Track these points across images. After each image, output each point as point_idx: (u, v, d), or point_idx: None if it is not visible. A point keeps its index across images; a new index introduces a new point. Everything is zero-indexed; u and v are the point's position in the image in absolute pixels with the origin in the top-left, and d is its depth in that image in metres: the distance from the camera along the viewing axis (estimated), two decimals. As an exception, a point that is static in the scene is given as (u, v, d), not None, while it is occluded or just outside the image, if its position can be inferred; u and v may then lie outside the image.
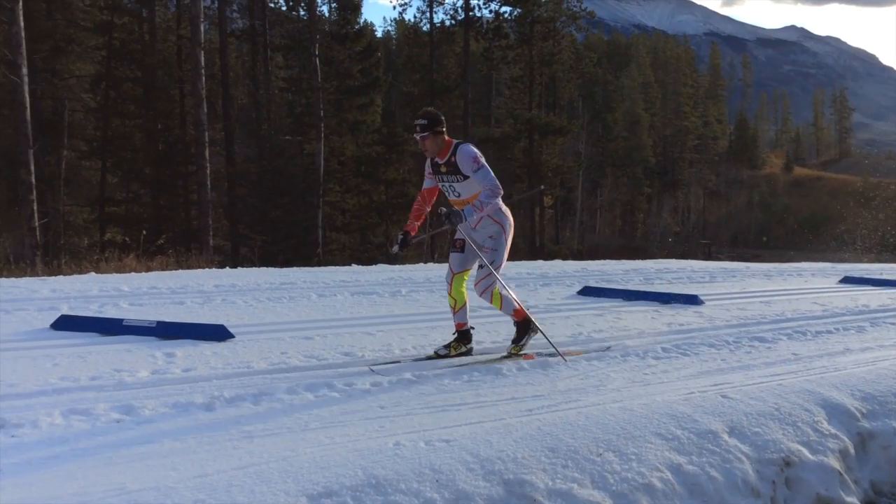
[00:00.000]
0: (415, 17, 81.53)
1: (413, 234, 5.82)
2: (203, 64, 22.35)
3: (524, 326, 5.89)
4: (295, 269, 9.93)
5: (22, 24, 17.73)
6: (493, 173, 5.49)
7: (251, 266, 12.97)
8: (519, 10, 40.00)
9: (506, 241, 5.73)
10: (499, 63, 42.33)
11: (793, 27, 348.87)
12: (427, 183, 5.79)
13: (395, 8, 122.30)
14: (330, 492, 3.32)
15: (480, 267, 5.67)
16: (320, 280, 8.87)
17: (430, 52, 38.86)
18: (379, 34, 64.58)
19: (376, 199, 28.61)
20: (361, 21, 33.42)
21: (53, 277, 8.61)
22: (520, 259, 15.86)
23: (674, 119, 79.05)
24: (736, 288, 10.57)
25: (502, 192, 5.53)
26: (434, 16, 39.58)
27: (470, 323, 5.92)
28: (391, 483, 3.41)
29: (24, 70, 17.79)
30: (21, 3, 17.78)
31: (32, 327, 6.26)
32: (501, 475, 3.55)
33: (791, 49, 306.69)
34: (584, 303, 8.62)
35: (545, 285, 9.72)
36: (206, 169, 22.55)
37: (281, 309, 7.35)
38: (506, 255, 5.74)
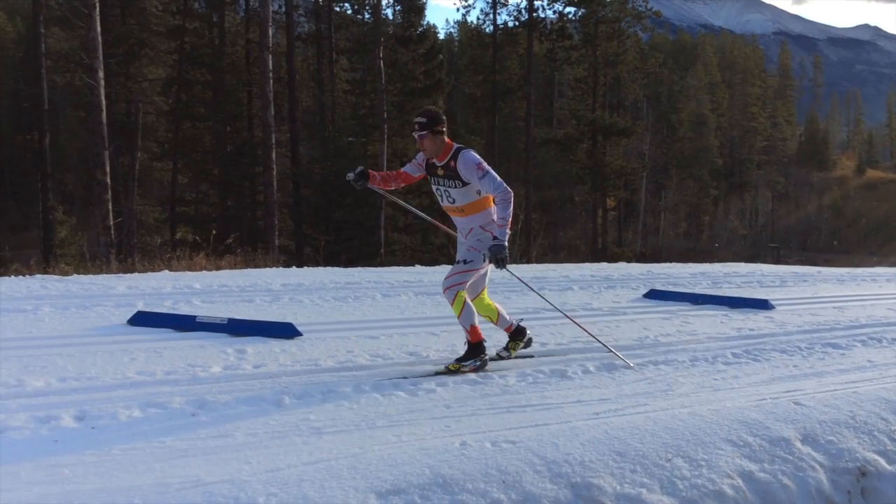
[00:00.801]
0: (478, 18, 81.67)
1: (371, 181, 5.53)
2: (271, 67, 22.79)
3: (475, 350, 5.39)
4: (359, 269, 10.05)
5: (98, 29, 18.36)
6: (498, 176, 5.25)
7: (315, 266, 13.17)
8: (583, 11, 39.65)
9: None
10: (562, 64, 42.07)
11: (865, 26, 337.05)
12: (411, 169, 5.55)
13: (458, 10, 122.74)
14: (398, 490, 3.35)
15: (456, 262, 5.42)
16: (384, 280, 8.96)
17: (493, 54, 38.82)
18: (441, 36, 64.89)
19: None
20: (425, 23, 33.61)
21: (129, 275, 8.90)
22: (581, 261, 15.74)
23: (741, 120, 77.25)
24: (808, 293, 10.29)
25: (512, 196, 5.25)
26: (497, 17, 39.50)
27: (515, 320, 5.83)
28: (458, 483, 3.43)
29: (101, 74, 18.41)
30: (98, 9, 18.41)
31: (110, 323, 6.49)
32: (569, 478, 3.54)
33: (864, 48, 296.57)
34: (651, 306, 8.50)
35: (609, 288, 9.62)
36: (272, 170, 22.98)
37: (346, 308, 7.46)
38: (486, 264, 5.36)
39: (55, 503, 3.08)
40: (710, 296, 9.10)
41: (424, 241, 27.72)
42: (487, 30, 41.00)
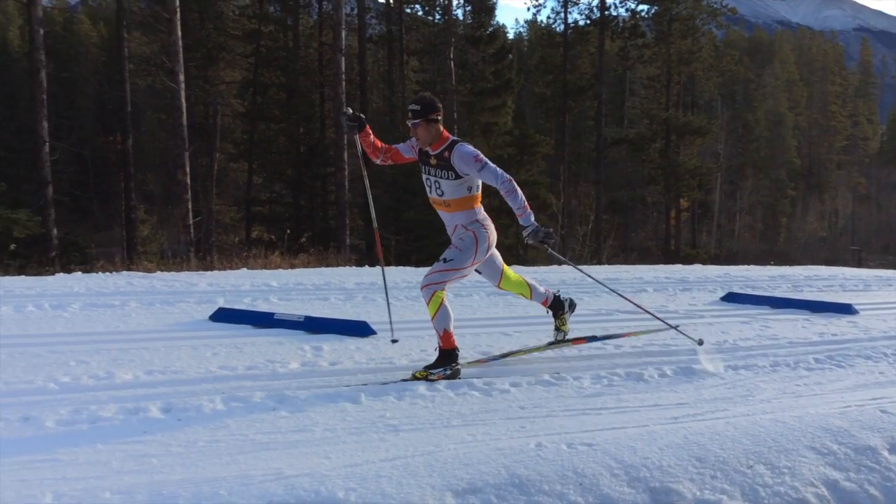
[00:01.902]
0: (548, 17, 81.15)
1: (362, 136, 5.26)
2: (343, 69, 23.10)
3: (446, 357, 5.13)
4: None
5: (179, 33, 18.96)
6: (497, 167, 5.06)
7: (387, 265, 13.29)
8: (656, 8, 38.98)
9: (475, 250, 5.14)
10: (634, 62, 41.42)
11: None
12: (403, 148, 5.32)
13: (528, 9, 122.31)
14: (474, 488, 3.37)
15: (437, 261, 5.19)
16: (455, 280, 8.99)
17: (564, 53, 38.52)
18: (510, 36, 64.68)
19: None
20: (494, 23, 33.55)
21: (209, 272, 9.16)
22: (653, 263, 15.49)
23: (820, 119, 74.71)
24: (893, 297, 9.90)
25: (515, 184, 5.06)
26: (568, 16, 39.19)
27: (551, 291, 5.72)
28: (534, 483, 3.42)
29: (181, 77, 19.00)
30: (179, 14, 19.00)
31: (192, 318, 6.70)
32: (647, 482, 3.50)
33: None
34: (729, 309, 8.32)
35: (685, 290, 9.44)
36: (344, 170, 23.31)
37: (419, 307, 7.50)
38: (468, 265, 5.14)
39: (144, 493, 3.19)
40: (791, 299, 8.84)
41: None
42: (558, 29, 40.71)
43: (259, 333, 6.17)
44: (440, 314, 5.10)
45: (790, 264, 16.04)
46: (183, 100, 19.36)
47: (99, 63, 50.18)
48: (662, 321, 5.72)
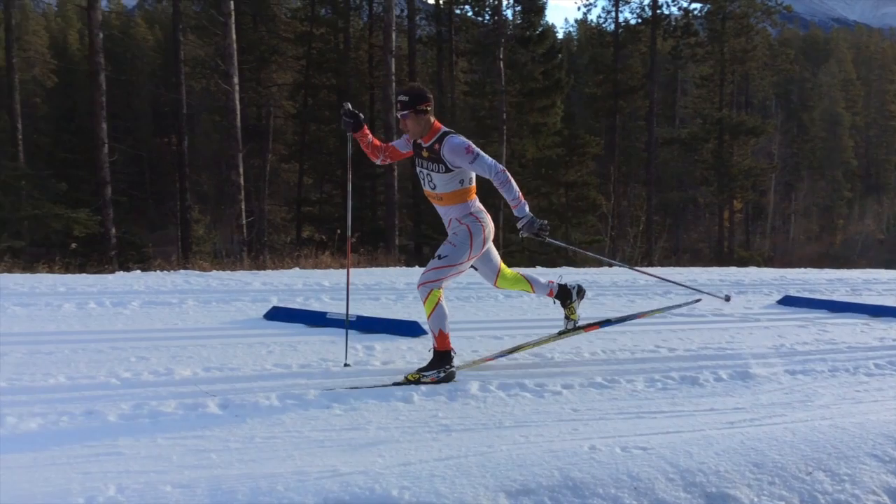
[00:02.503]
0: (599, 17, 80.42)
1: (361, 135, 5.17)
2: (394, 70, 23.24)
3: (440, 359, 4.97)
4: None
5: (234, 36, 19.29)
6: (489, 157, 4.91)
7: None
8: (709, 6, 38.37)
9: (469, 244, 4.95)
10: (687, 61, 40.84)
11: None
12: (400, 144, 5.21)
13: (579, 9, 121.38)
14: (528, 490, 3.37)
15: (434, 257, 5.03)
16: (506, 281, 8.97)
17: (615, 52, 38.18)
18: (560, 36, 64.28)
19: (556, 201, 28.43)
20: (544, 23, 33.37)
21: (262, 272, 9.32)
22: (705, 265, 15.26)
23: (878, 118, 72.56)
24: (958, 302, 9.59)
25: (509, 175, 4.91)
26: (619, 15, 38.83)
27: (554, 280, 5.56)
28: (588, 486, 3.41)
29: (236, 79, 19.34)
30: (233, 17, 19.34)
31: (248, 317, 6.82)
32: (703, 488, 3.46)
33: None
34: (785, 313, 8.15)
35: (741, 293, 9.28)
36: (394, 171, 23.45)
37: (469, 308, 7.53)
38: (464, 261, 4.97)
39: (204, 487, 3.26)
40: (850, 303, 8.62)
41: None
42: (609, 28, 40.35)
43: (312, 332, 6.25)
44: (436, 314, 4.96)
45: (847, 267, 15.64)
46: (237, 102, 19.70)
47: (155, 66, 51.31)
48: (690, 287, 5.61)
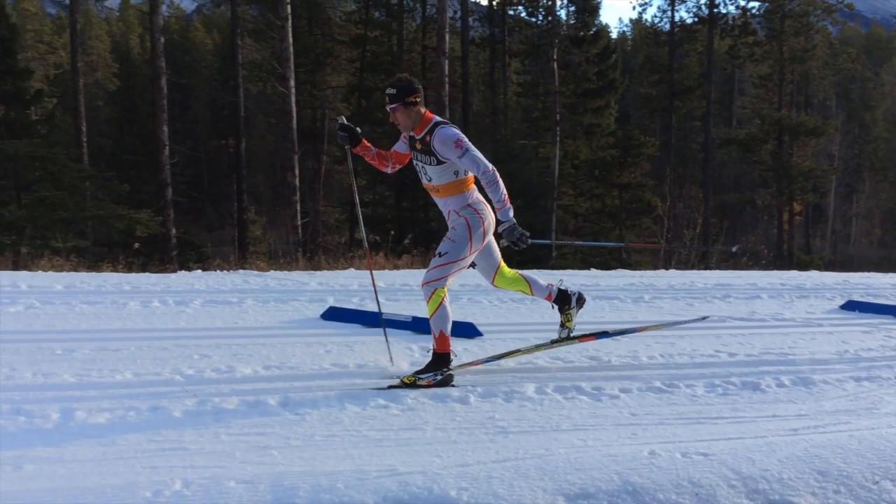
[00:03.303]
0: (654, 16, 79.37)
1: (361, 149, 5.06)
2: (446, 72, 23.30)
3: (438, 361, 4.88)
4: (535, 271, 10.04)
5: (290, 40, 19.58)
6: (480, 154, 4.74)
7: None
8: (767, 5, 37.55)
9: (469, 238, 4.84)
10: (744, 61, 40.03)
11: None
12: (400, 146, 5.09)
13: (634, 8, 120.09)
14: (586, 494, 3.35)
15: (435, 255, 4.92)
16: (560, 283, 8.92)
17: (670, 52, 37.65)
18: (614, 35, 63.65)
19: (610, 203, 28.20)
20: (598, 23, 33.09)
21: (318, 272, 9.43)
22: (763, 268, 14.94)
23: (946, 118, 70.13)
24: None
25: (497, 176, 4.73)
26: (675, 14, 38.25)
27: (554, 284, 5.38)
28: (648, 491, 3.38)
29: (292, 82, 19.63)
30: (290, 21, 19.63)
31: (305, 316, 6.92)
32: (766, 495, 3.40)
33: None
34: (849, 318, 7.94)
35: (802, 297, 9.07)
36: (446, 173, 23.47)
37: (524, 310, 7.51)
38: (465, 255, 4.87)
39: (267, 483, 3.32)
40: (917, 309, 8.36)
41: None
42: (664, 27, 39.82)
43: (368, 332, 6.30)
44: (439, 314, 4.87)
45: (915, 272, 15.14)
46: (293, 104, 19.99)
47: (212, 69, 52.34)
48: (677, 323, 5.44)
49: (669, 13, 38.46)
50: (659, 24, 41.29)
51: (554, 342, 5.43)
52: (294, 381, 4.79)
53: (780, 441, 3.88)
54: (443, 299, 4.85)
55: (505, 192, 4.75)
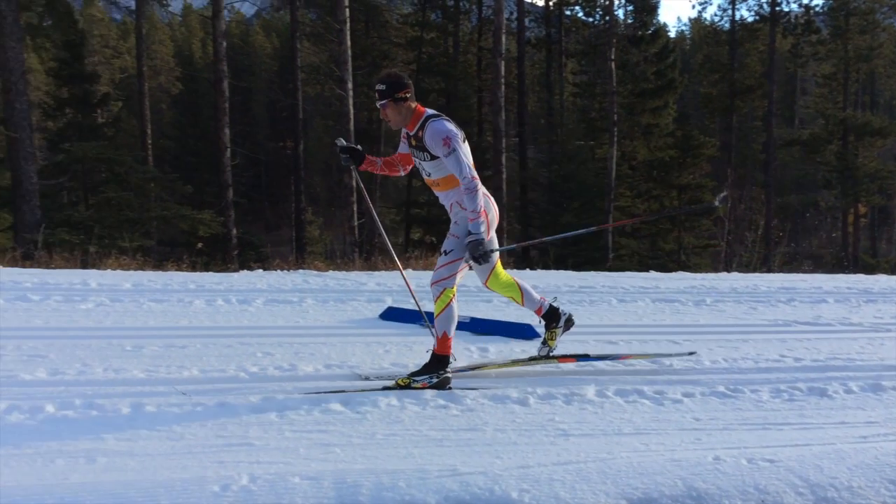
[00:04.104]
0: (714, 15, 77.89)
1: (366, 165, 5.01)
2: (503, 73, 23.28)
3: (436, 363, 4.75)
4: (592, 273, 10.01)
5: (349, 42, 19.79)
6: (468, 158, 4.57)
7: (542, 269, 13.26)
8: (831, 3, 36.52)
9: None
10: (807, 60, 39.02)
11: None
12: (402, 147, 4.98)
13: (693, 7, 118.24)
14: (650, 499, 3.33)
15: (441, 253, 4.80)
16: (618, 285, 8.84)
17: (731, 51, 36.91)
18: (672, 34, 62.71)
19: (668, 204, 27.75)
20: (656, 22, 32.65)
21: (376, 272, 9.52)
22: (827, 271, 14.57)
23: None
24: None
25: (478, 185, 4.57)
26: (736, 12, 37.52)
27: (547, 299, 5.19)
28: (713, 497, 3.34)
29: (349, 85, 19.83)
30: (348, 24, 19.85)
31: (363, 316, 6.99)
32: (835, 503, 3.32)
33: None
34: (919, 323, 7.70)
35: (870, 301, 8.81)
36: (502, 174, 23.47)
37: (582, 311, 7.45)
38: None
39: (330, 480, 3.37)
40: None
41: (653, 247, 26.97)
42: (724, 26, 39.06)
43: (426, 333, 6.31)
44: (445, 314, 4.74)
45: None
46: (350, 107, 20.19)
47: (271, 73, 53.21)
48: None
49: (730, 12, 37.70)
50: (719, 23, 40.51)
51: (532, 359, 5.29)
52: (355, 381, 4.85)
53: (849, 448, 3.79)
54: (451, 300, 4.74)
55: (482, 204, 4.61)
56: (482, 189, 4.70)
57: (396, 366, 5.27)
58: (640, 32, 30.99)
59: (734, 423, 4.31)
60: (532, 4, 36.24)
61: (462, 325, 6.44)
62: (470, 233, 4.62)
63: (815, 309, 8.17)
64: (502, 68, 23.33)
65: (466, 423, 4.19)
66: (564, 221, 23.65)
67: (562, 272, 10.25)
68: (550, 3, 33.95)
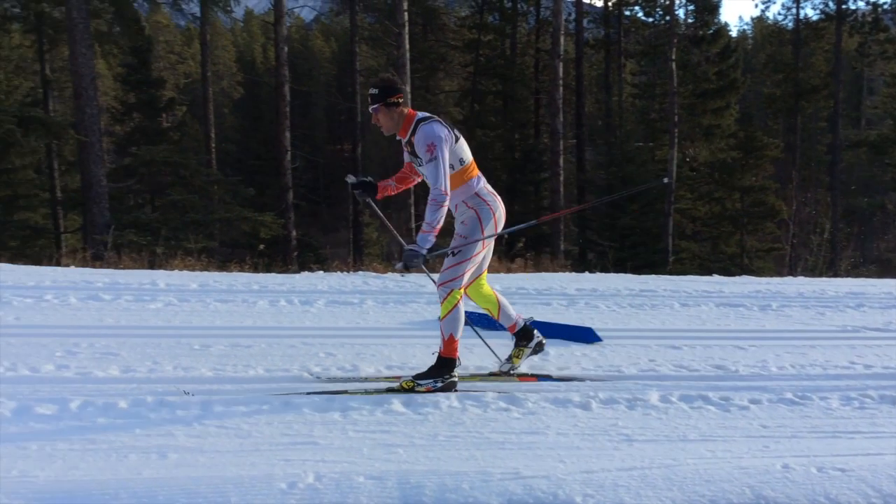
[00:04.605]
0: (778, 13, 76.04)
1: (379, 193, 4.94)
2: (561, 74, 23.15)
3: (442, 367, 4.66)
4: (653, 276, 9.87)
5: (407, 46, 19.92)
6: (444, 168, 4.40)
7: (602, 272, 13.14)
8: (901, -1, 35.32)
9: (480, 231, 4.64)
10: (875, 59, 37.80)
11: None
12: (405, 156, 4.88)
13: (756, 6, 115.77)
14: (717, 506, 3.28)
15: (447, 254, 4.67)
16: (681, 289, 8.71)
17: (795, 50, 36.03)
18: (733, 34, 61.46)
19: (730, 207, 27.18)
20: (717, 22, 32.03)
21: (434, 274, 9.51)
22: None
23: None
24: None
25: (446, 200, 4.42)
26: (800, 11, 36.60)
27: (522, 317, 5.06)
28: (782, 506, 3.27)
29: (407, 88, 19.94)
30: (407, 28, 19.98)
31: (423, 318, 7.03)
32: (912, 515, 3.23)
33: None
34: None
35: (944, 308, 8.51)
36: (559, 176, 23.35)
37: (644, 316, 7.37)
38: (479, 250, 4.67)
39: (394, 480, 3.41)
40: None
41: (715, 250, 26.46)
42: (788, 25, 38.16)
43: (488, 335, 6.30)
44: (451, 316, 4.62)
45: None
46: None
47: (329, 76, 53.88)
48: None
49: (794, 10, 36.83)
50: (783, 22, 39.63)
51: (491, 374, 5.15)
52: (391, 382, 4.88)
53: (926, 459, 3.68)
54: (457, 302, 4.63)
55: (440, 221, 4.47)
56: (485, 189, 4.70)
57: (456, 368, 5.28)
58: (701, 32, 30.45)
59: (803, 430, 4.21)
60: (590, 5, 35.94)
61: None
62: (414, 242, 4.52)
63: (886, 315, 7.92)
64: (560, 70, 23.21)
65: (528, 427, 4.18)
66: (622, 224, 23.36)
67: (621, 275, 10.15)
68: (609, 4, 33.60)
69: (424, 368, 4.80)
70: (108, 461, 3.55)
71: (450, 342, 4.67)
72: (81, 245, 17.65)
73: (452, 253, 4.64)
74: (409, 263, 4.52)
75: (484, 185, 4.76)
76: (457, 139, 4.60)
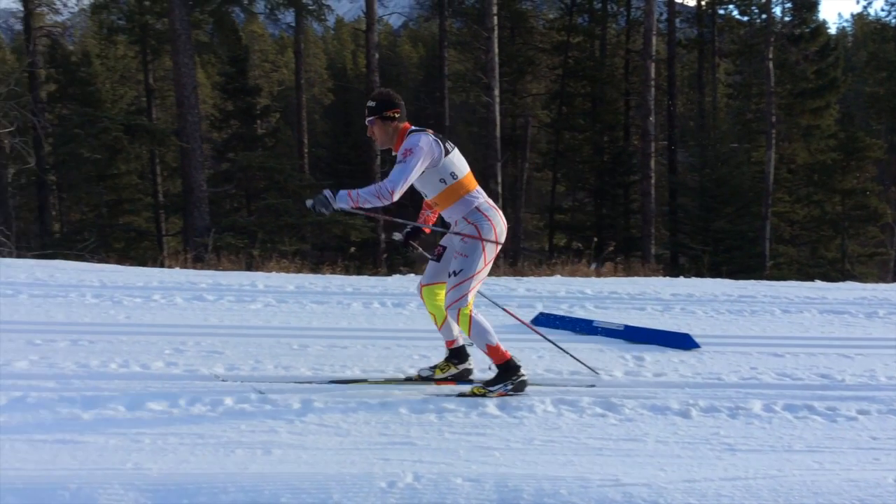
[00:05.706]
0: (882, 10, 72.68)
1: (427, 229, 4.95)
2: (653, 75, 22.74)
3: (505, 372, 4.62)
4: (751, 281, 9.55)
5: (496, 50, 19.97)
6: (408, 175, 4.34)
7: (696, 276, 12.80)
8: None
9: (482, 249, 4.53)
10: None
11: None
12: None
13: (857, 2, 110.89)
14: (829, 520, 3.17)
15: (449, 275, 4.58)
16: (781, 295, 8.41)
17: (901, 46, 34.33)
18: (832, 31, 58.99)
19: (830, 210, 26.08)
20: (816, 19, 30.79)
21: (525, 278, 9.51)
22: None
23: None
24: None
25: (390, 199, 4.35)
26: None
27: (464, 338, 4.88)
28: (899, 523, 3.13)
29: (496, 92, 19.99)
30: (496, 32, 20.02)
31: (515, 322, 6.98)
32: None
33: None
34: None
35: None
36: (650, 178, 22.94)
37: (743, 322, 7.15)
38: (481, 267, 4.55)
39: (491, 482, 3.43)
40: None
41: (814, 255, 25.46)
42: (892, 21, 36.39)
43: (579, 339, 6.28)
44: (475, 331, 4.56)
45: None
46: (497, 113, 20.34)
47: (417, 81, 54.37)
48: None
49: (901, 5, 35.09)
50: (886, 19, 37.81)
51: (408, 379, 5.01)
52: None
53: None
54: (471, 316, 4.56)
55: (367, 205, 4.42)
56: (485, 203, 4.65)
57: (550, 371, 5.28)
58: (798, 30, 29.37)
59: (917, 444, 4.02)
60: (682, 5, 35.14)
61: (616, 333, 6.37)
62: (333, 195, 4.42)
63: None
64: (652, 70, 22.81)
65: (626, 433, 4.13)
66: (716, 227, 22.72)
67: (717, 280, 9.86)
68: (703, 3, 32.78)
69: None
70: (216, 456, 3.70)
71: (493, 351, 4.63)
72: (182, 247, 18.38)
73: (454, 273, 4.57)
74: (317, 207, 4.45)
75: (484, 200, 4.70)
76: (447, 153, 4.57)
